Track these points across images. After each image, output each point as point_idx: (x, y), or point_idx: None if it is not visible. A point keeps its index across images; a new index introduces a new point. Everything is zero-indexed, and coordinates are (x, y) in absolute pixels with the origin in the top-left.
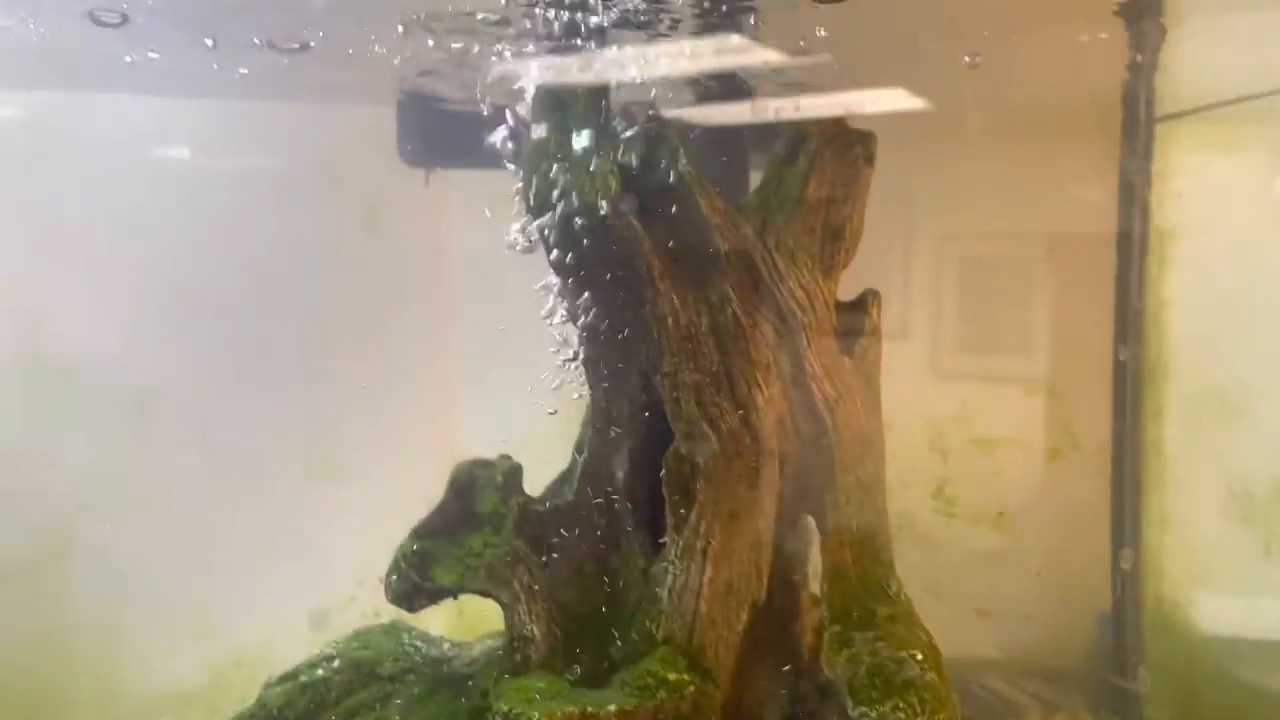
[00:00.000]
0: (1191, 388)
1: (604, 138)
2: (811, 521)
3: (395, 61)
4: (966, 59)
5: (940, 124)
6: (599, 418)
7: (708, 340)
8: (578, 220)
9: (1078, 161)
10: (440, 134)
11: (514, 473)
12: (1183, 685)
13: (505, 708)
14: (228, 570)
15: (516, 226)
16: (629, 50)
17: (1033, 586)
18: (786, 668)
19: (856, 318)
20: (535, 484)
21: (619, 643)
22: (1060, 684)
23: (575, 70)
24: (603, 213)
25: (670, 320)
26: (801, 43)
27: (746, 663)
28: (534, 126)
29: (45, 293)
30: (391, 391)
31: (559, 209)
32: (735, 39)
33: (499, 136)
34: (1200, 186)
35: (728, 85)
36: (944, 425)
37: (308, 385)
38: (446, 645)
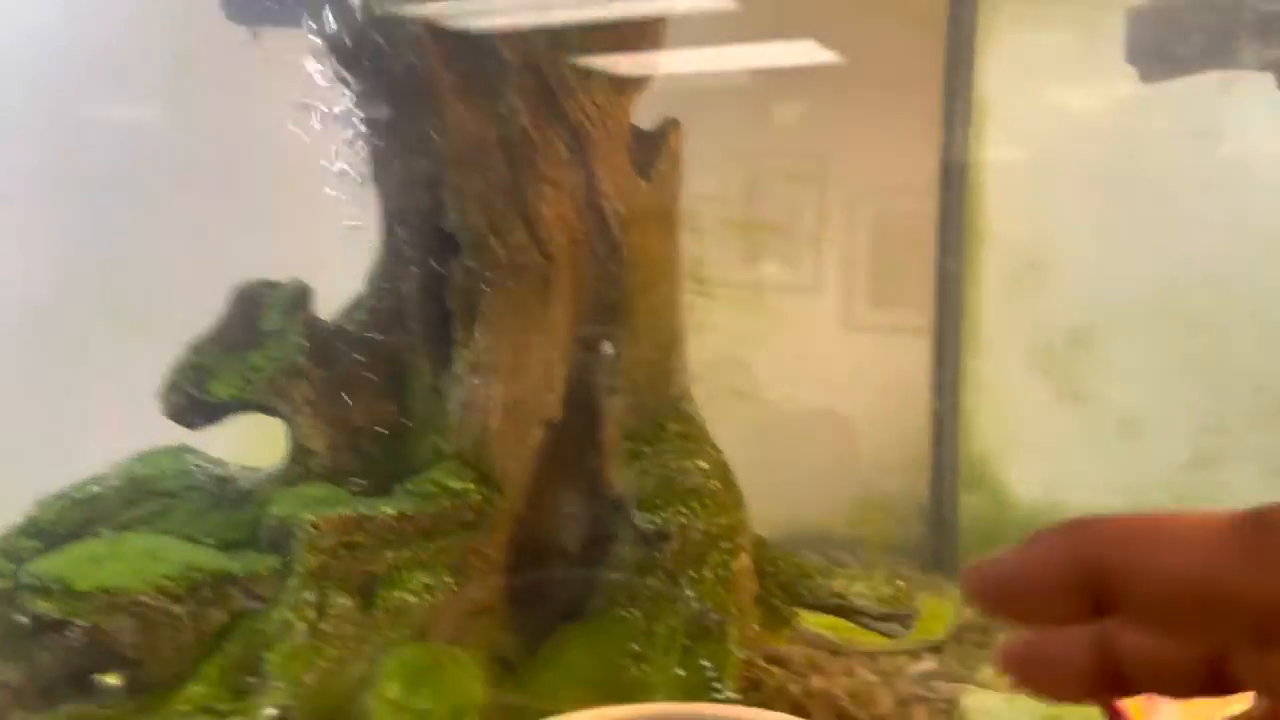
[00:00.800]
0: (1005, 251)
1: None
2: (608, 344)
3: None
4: None
5: None
6: (389, 235)
7: (495, 153)
8: (365, 29)
9: (904, 33)
10: None
11: (303, 293)
12: (993, 539)
13: (279, 513)
14: (28, 428)
15: None
16: None
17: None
18: (585, 488)
19: (655, 143)
20: None
21: (408, 459)
22: (878, 548)
23: None
24: (388, 21)
25: (457, 132)
26: None
27: (544, 482)
28: None
29: None
30: (212, 247)
31: (346, 17)
32: None
33: None
34: (1018, 58)
35: None
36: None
37: (117, 239)
38: (234, 467)
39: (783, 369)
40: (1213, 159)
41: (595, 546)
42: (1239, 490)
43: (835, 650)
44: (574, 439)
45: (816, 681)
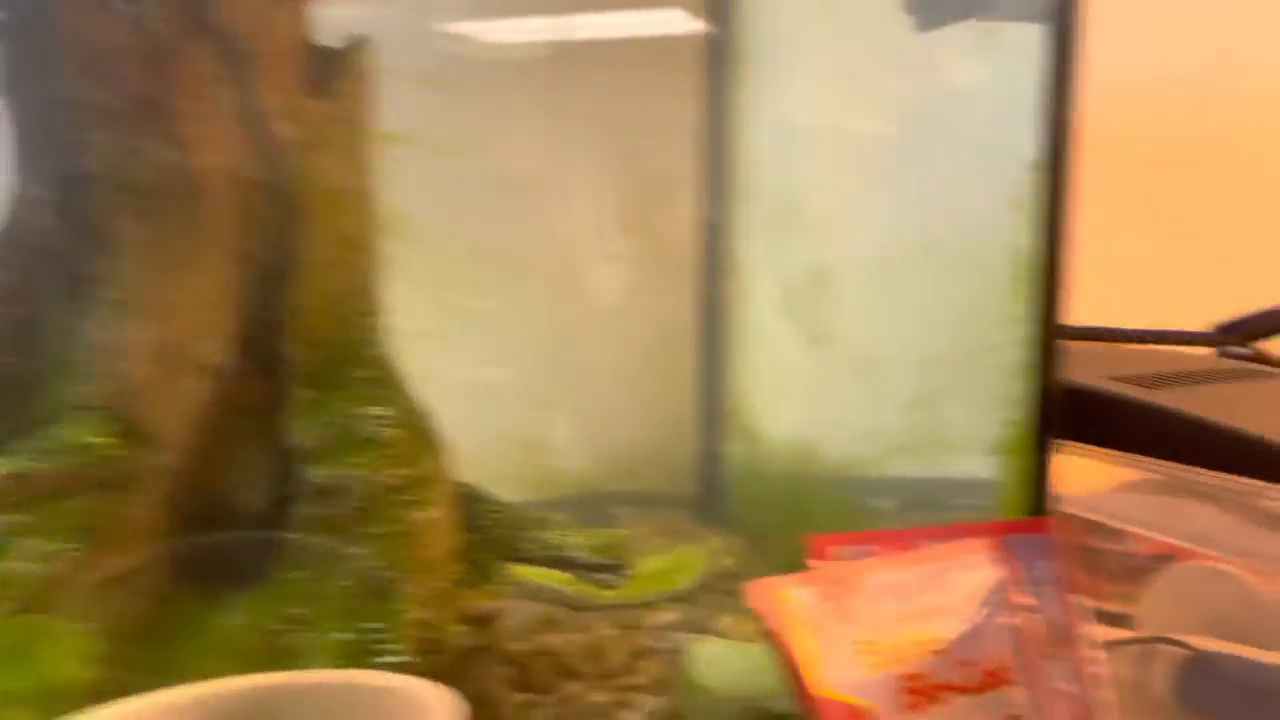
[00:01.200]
0: (764, 199)
1: None
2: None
3: None
4: None
5: None
6: (22, 160)
7: (129, 65)
8: None
9: None
10: None
11: None
12: (757, 483)
13: None
14: None
15: None
16: None
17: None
18: (267, 443)
19: (336, 61)
20: None
21: (40, 412)
22: (655, 504)
23: None
24: None
25: (89, 43)
26: None
27: (215, 436)
28: None
29: None
30: None
31: None
32: None
33: None
34: (788, 6)
35: None
36: None
37: None
38: None
39: (554, 328)
40: (974, 108)
41: (277, 505)
42: (954, 428)
43: (574, 605)
44: (252, 389)
45: (547, 638)
